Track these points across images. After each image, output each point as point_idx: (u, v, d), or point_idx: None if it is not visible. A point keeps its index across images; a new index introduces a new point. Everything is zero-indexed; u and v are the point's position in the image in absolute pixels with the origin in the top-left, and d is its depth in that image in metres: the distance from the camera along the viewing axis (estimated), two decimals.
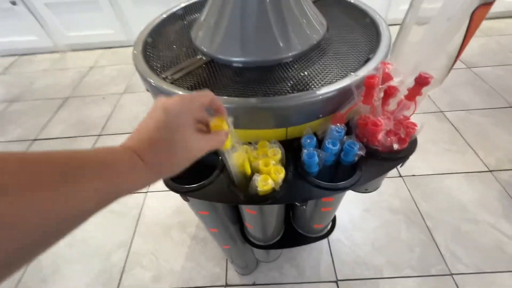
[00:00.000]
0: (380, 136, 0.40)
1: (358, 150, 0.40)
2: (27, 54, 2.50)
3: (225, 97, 0.44)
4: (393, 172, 1.30)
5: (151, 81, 0.47)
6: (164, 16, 0.68)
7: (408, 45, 0.49)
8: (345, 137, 0.42)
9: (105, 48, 2.48)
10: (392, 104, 0.46)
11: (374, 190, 0.61)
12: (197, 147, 0.28)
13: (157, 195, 1.31)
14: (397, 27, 0.52)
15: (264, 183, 0.38)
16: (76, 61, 2.37)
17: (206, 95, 0.30)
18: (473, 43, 2.04)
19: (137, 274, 1.07)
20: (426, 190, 1.22)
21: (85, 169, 0.20)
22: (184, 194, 0.42)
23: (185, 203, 0.50)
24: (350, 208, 1.19)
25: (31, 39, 2.37)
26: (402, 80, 0.42)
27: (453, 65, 0.42)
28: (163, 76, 0.49)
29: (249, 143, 0.44)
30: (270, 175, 0.40)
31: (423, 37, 0.45)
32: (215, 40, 0.52)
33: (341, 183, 0.40)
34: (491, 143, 1.37)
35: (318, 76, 0.47)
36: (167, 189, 0.44)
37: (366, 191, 0.60)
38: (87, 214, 0.20)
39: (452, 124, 1.48)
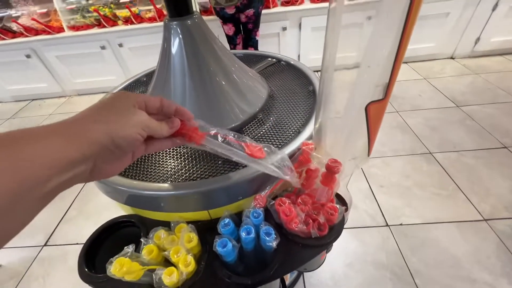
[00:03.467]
0: (296, 224, 0.39)
1: (272, 240, 0.38)
2: (37, 99, 2.70)
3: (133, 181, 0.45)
4: (379, 220, 1.23)
5: None
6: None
7: (330, 119, 0.47)
8: (263, 222, 0.41)
9: (108, 92, 2.64)
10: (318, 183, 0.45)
11: (314, 269, 0.57)
12: (138, 117, 0.27)
13: None
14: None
15: (168, 278, 0.37)
16: (80, 104, 2.53)
17: (154, 98, 0.30)
18: (462, 81, 2.06)
19: None
20: (415, 242, 1.13)
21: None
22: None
23: None
24: (332, 261, 1.11)
25: (42, 86, 2.57)
26: (321, 162, 0.42)
27: (370, 148, 0.41)
28: None
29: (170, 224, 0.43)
30: (178, 267, 0.38)
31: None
32: None
33: (249, 281, 0.37)
34: (485, 188, 1.29)
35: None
36: None
37: (305, 270, 0.56)
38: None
39: (441, 167, 1.43)
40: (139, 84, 0.78)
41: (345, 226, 1.24)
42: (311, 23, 2.14)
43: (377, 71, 0.33)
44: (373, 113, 0.35)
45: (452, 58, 2.39)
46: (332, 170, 0.37)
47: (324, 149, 0.43)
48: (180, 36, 0.48)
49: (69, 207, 1.49)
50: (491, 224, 1.15)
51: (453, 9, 2.03)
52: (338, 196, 0.49)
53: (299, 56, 2.33)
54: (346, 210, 0.57)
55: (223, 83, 0.52)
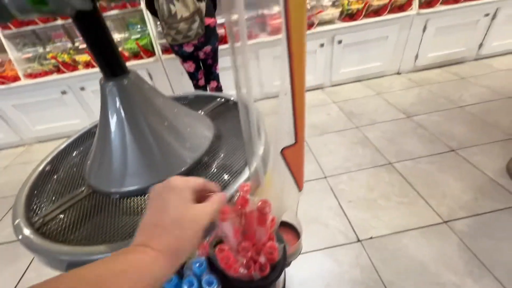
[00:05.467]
0: (236, 271, 0.40)
1: None
2: None
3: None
4: (350, 236, 1.26)
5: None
6: (69, 141, 0.72)
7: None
8: (206, 271, 0.41)
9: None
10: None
11: None
12: (201, 214, 0.28)
13: None
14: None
15: None
16: (40, 152, 2.40)
17: (198, 180, 0.32)
18: (409, 93, 2.28)
19: None
20: (385, 254, 1.17)
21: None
22: None
23: None
24: (310, 284, 1.10)
25: None
26: (255, 204, 0.44)
27: (299, 184, 0.44)
28: (34, 219, 0.49)
29: None
30: None
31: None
32: (97, 172, 0.55)
33: None
34: (441, 191, 1.39)
35: None
36: None
37: None
38: None
39: (401, 175, 1.52)
40: (91, 135, 0.77)
41: (319, 248, 1.24)
42: (270, 53, 2.29)
43: (285, 116, 0.37)
44: (290, 157, 0.39)
45: (398, 73, 2.66)
46: (262, 211, 0.40)
47: (260, 189, 0.46)
48: (117, 97, 0.50)
49: (26, 269, 1.35)
50: (451, 225, 1.23)
51: (390, 33, 2.30)
52: (285, 226, 0.52)
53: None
54: (299, 237, 0.59)
55: (165, 134, 0.54)
